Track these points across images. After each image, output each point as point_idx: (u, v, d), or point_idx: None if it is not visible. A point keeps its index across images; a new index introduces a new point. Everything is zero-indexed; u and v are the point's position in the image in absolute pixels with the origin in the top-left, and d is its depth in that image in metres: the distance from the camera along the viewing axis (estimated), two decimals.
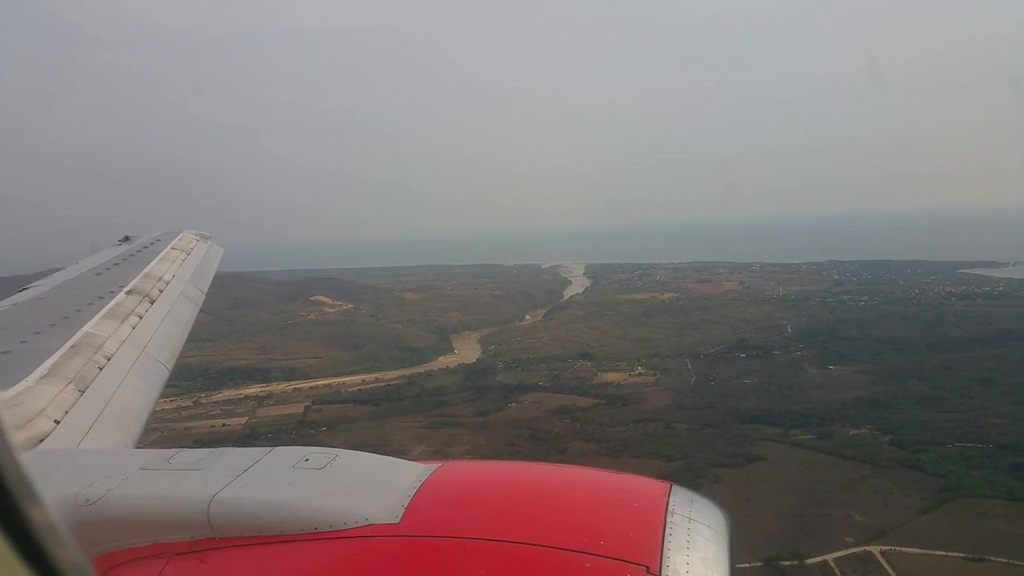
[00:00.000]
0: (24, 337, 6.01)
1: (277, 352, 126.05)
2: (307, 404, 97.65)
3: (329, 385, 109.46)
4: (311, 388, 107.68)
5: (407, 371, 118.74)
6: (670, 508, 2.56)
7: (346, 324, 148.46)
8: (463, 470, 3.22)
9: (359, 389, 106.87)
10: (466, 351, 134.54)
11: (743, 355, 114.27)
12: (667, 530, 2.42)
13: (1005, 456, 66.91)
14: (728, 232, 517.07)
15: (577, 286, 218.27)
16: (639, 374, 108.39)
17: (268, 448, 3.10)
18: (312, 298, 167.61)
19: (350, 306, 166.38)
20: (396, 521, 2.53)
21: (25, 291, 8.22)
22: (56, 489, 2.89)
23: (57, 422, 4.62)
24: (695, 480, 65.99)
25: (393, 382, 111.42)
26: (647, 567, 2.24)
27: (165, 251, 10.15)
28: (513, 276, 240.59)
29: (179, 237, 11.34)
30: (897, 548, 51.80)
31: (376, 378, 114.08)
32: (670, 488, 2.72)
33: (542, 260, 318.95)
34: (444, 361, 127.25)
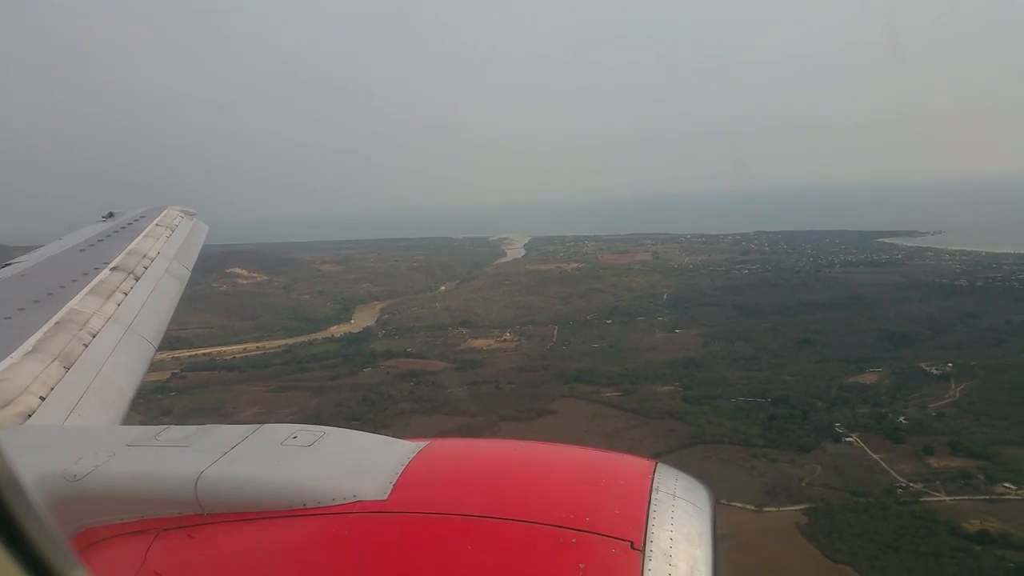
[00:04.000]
0: (7, 313, 6.01)
1: (172, 322, 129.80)
2: (174, 371, 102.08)
3: (208, 354, 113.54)
4: (189, 356, 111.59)
5: (293, 340, 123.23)
6: (655, 485, 2.62)
7: (252, 295, 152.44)
8: (451, 448, 3.25)
9: (234, 357, 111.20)
10: (362, 321, 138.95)
11: (609, 321, 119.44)
12: (651, 506, 2.49)
13: (770, 409, 72.36)
14: (711, 205, 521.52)
15: (509, 257, 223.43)
16: (505, 340, 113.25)
17: (256, 425, 3.14)
18: (228, 270, 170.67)
19: (265, 278, 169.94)
20: (384, 498, 2.58)
21: (7, 267, 8.15)
22: (43, 465, 2.93)
23: (42, 399, 4.63)
24: (477, 432, 71.73)
25: (271, 351, 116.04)
26: (631, 542, 2.31)
27: (150, 228, 10.23)
28: (448, 249, 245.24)
29: (163, 214, 11.39)
30: None
31: (258, 347, 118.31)
32: (655, 466, 2.77)
33: (492, 234, 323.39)
34: (335, 331, 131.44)
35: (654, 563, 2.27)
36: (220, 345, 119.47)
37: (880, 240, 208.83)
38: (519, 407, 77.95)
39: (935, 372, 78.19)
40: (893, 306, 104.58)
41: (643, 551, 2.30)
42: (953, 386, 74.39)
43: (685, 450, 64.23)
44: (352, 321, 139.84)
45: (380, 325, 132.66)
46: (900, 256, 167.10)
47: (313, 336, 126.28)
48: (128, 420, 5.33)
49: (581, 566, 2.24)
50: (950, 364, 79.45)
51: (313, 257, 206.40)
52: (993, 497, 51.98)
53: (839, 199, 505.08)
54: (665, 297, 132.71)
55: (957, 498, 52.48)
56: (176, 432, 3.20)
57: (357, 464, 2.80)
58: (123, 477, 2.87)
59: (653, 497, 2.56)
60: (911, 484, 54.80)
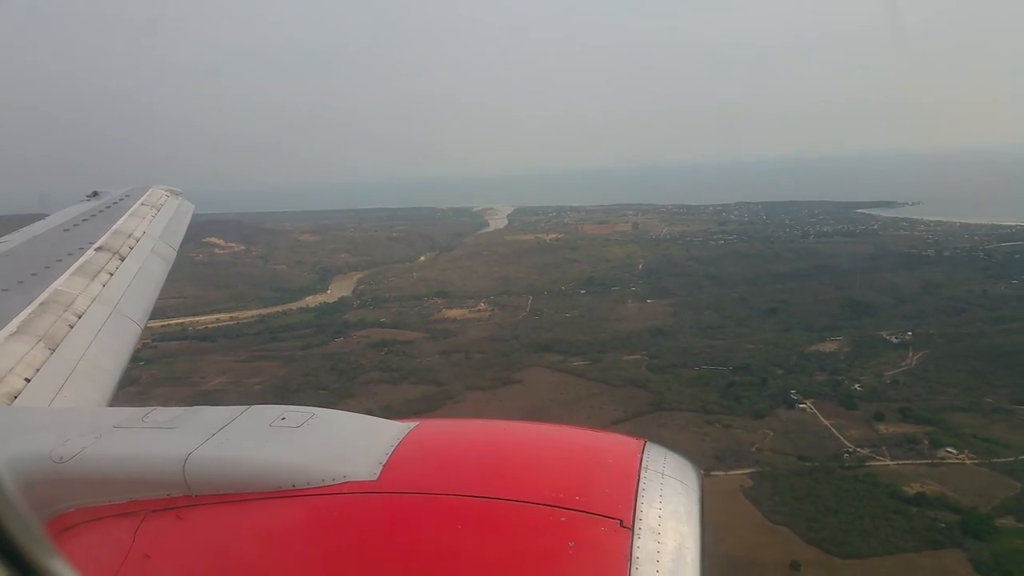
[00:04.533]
0: None
1: None
2: (145, 342, 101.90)
3: (181, 324, 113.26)
4: (161, 327, 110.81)
5: (267, 310, 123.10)
6: (643, 464, 2.63)
7: (228, 265, 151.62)
8: (440, 428, 3.24)
9: (207, 328, 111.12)
10: (338, 291, 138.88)
11: (583, 292, 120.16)
12: (640, 485, 2.51)
13: (730, 377, 73.64)
14: (700, 176, 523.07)
15: (492, 228, 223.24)
16: (479, 310, 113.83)
17: (244, 407, 3.13)
18: (204, 240, 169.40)
19: (242, 248, 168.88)
20: (374, 479, 2.57)
21: None
22: (28, 447, 2.93)
23: (27, 380, 4.59)
24: (442, 401, 72.63)
25: (245, 321, 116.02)
26: (620, 520, 2.33)
27: (135, 207, 10.10)
28: (431, 219, 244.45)
29: (148, 193, 11.24)
30: None
31: (231, 317, 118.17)
32: (644, 445, 2.78)
33: (477, 204, 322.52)
34: (310, 301, 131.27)
35: (643, 541, 2.30)
36: (193, 315, 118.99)
37: (858, 211, 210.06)
38: (486, 376, 78.79)
39: (894, 340, 79.58)
40: (860, 276, 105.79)
41: (632, 529, 2.33)
42: (911, 354, 75.85)
43: (643, 417, 65.45)
44: (328, 291, 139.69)
45: (356, 295, 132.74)
46: (876, 227, 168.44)
47: (288, 306, 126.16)
48: (115, 400, 5.29)
49: (571, 544, 2.27)
50: (909, 333, 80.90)
51: (293, 227, 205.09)
52: (935, 461, 53.51)
53: (825, 170, 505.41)
54: (640, 267, 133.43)
55: (901, 462, 53.97)
56: (163, 414, 3.18)
57: (346, 445, 2.79)
58: (110, 459, 2.85)
59: (642, 476, 2.59)
60: (858, 449, 56.22)
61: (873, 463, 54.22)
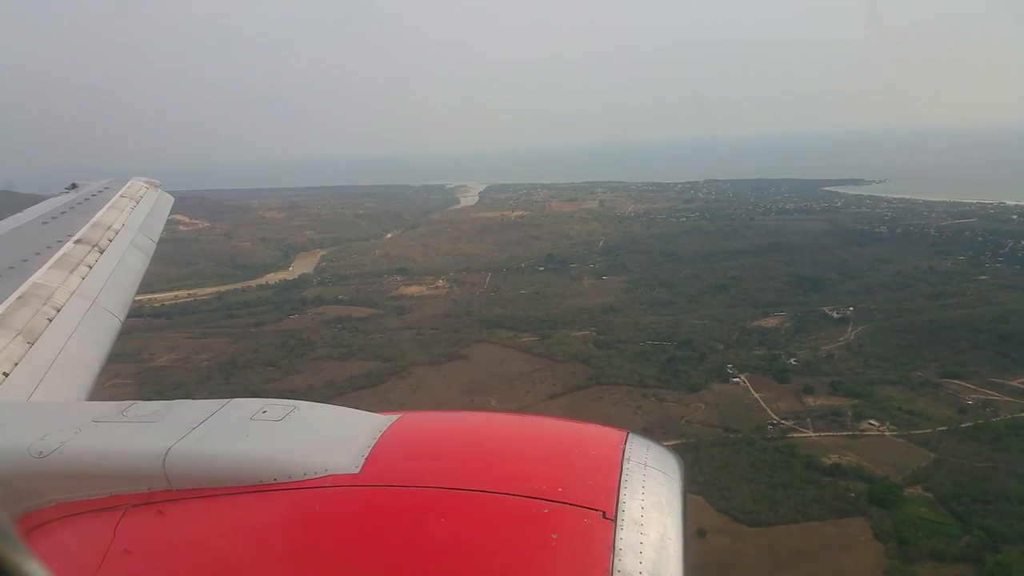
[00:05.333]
0: None
1: None
2: None
3: (138, 301, 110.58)
4: None
5: (226, 287, 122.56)
6: (626, 455, 2.64)
7: (190, 242, 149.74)
8: (423, 421, 3.23)
9: (163, 304, 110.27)
10: (300, 268, 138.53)
11: (542, 268, 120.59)
12: (623, 476, 2.52)
13: (672, 352, 74.46)
14: (679, 153, 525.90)
15: (462, 205, 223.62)
16: (437, 287, 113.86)
17: (225, 400, 3.13)
18: (169, 216, 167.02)
19: (206, 224, 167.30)
20: (356, 472, 2.57)
21: None
22: (7, 441, 2.92)
23: (6, 375, 4.56)
24: (386, 376, 73.04)
25: (202, 298, 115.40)
26: (603, 512, 2.35)
27: (114, 199, 10.05)
28: (403, 197, 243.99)
29: (128, 185, 11.19)
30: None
31: (189, 294, 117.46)
32: (627, 436, 2.79)
33: (451, 181, 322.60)
34: (271, 278, 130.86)
35: (625, 532, 2.31)
36: (152, 293, 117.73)
37: (825, 188, 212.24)
38: (432, 352, 79.05)
39: (835, 316, 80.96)
40: (811, 253, 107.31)
41: (615, 520, 2.34)
42: (850, 329, 77.25)
43: (581, 391, 66.17)
44: (290, 268, 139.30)
45: (317, 272, 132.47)
46: (839, 204, 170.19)
47: (247, 283, 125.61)
48: (94, 394, 5.23)
49: (554, 536, 2.27)
50: (851, 308, 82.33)
51: (260, 204, 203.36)
52: (856, 433, 54.77)
53: (803, 149, 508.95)
54: (601, 245, 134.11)
55: (823, 434, 55.19)
56: (143, 408, 3.16)
57: (328, 438, 2.78)
58: (90, 453, 2.84)
59: (624, 467, 2.59)
60: (782, 421, 57.42)
61: (795, 435, 55.40)
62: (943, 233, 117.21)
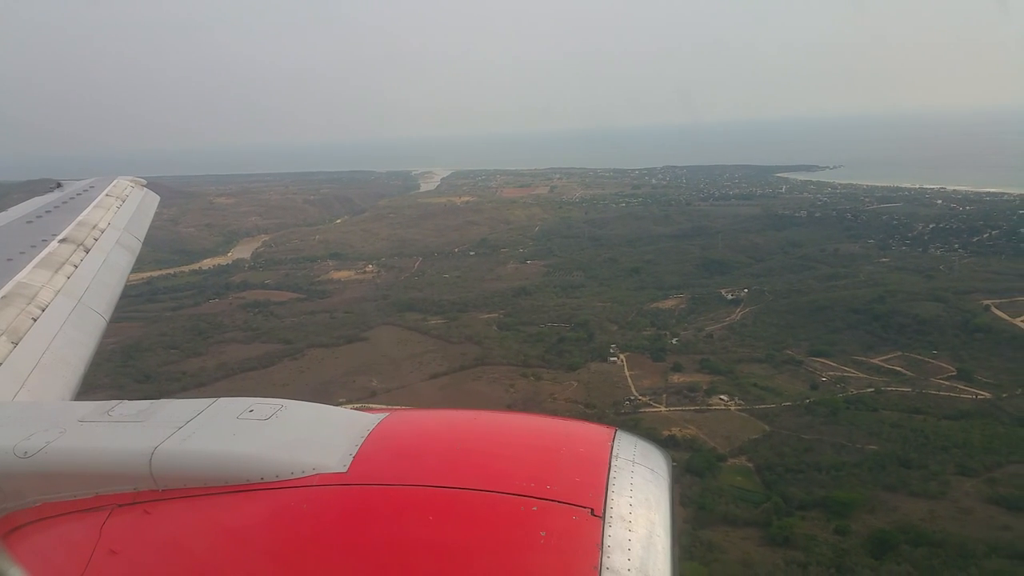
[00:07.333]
0: None
1: None
2: None
3: None
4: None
5: (159, 272, 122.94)
6: (614, 452, 2.64)
7: None
8: (411, 419, 3.24)
9: None
10: (238, 253, 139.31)
11: (472, 253, 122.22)
12: (611, 473, 2.52)
13: (565, 333, 76.22)
14: (653, 139, 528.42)
15: (422, 190, 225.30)
16: (366, 272, 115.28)
17: (211, 399, 3.11)
18: None
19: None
20: (344, 470, 2.56)
21: None
22: None
23: None
24: (280, 358, 74.48)
25: (131, 283, 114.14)
26: (592, 509, 2.34)
27: (99, 198, 9.98)
28: (364, 182, 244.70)
29: (113, 184, 11.15)
30: (368, 405, 60.52)
31: None
32: (615, 433, 2.79)
33: (416, 167, 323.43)
34: (207, 263, 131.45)
35: (614, 529, 2.31)
36: None
37: (777, 175, 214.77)
38: (334, 335, 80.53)
39: (729, 297, 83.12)
40: (728, 237, 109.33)
41: (603, 517, 2.34)
42: (738, 310, 79.41)
43: (465, 371, 67.94)
44: (229, 254, 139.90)
45: (253, 257, 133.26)
46: (783, 190, 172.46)
47: (180, 268, 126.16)
48: (80, 394, 5.21)
49: (542, 534, 2.27)
50: (745, 290, 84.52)
51: (213, 190, 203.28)
52: (703, 408, 56.90)
53: (775, 133, 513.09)
54: (536, 230, 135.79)
55: (673, 409, 57.25)
56: (129, 407, 3.15)
57: (316, 436, 2.78)
58: (75, 453, 2.83)
59: (613, 464, 2.60)
60: (640, 397, 59.45)
61: (647, 410, 57.41)
62: (859, 217, 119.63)
